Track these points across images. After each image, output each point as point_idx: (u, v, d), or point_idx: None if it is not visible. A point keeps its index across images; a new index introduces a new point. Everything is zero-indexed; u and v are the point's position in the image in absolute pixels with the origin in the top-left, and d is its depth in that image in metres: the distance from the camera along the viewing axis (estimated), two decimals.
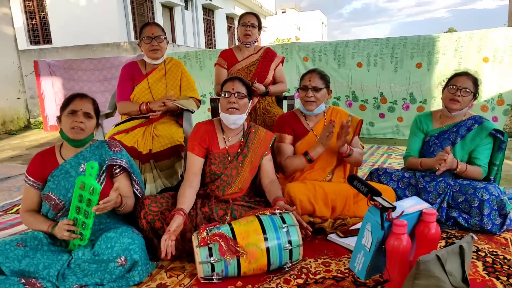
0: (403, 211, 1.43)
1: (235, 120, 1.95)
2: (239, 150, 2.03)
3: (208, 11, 18.48)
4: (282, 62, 3.00)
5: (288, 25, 37.15)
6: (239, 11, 20.21)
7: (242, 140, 2.05)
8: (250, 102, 2.04)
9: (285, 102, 3.11)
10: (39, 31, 13.24)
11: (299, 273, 1.70)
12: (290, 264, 1.69)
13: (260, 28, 2.90)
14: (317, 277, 1.66)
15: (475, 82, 2.18)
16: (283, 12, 41.68)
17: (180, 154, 2.49)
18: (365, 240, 1.47)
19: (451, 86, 2.18)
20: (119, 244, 1.59)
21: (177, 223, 1.69)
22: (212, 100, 3.06)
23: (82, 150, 1.79)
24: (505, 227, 2.00)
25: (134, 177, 1.88)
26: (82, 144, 1.77)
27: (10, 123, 7.42)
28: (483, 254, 1.80)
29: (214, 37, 18.98)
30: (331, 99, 5.05)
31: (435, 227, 1.47)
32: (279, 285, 1.61)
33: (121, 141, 2.34)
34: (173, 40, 14.93)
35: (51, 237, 1.70)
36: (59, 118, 1.76)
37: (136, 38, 12.26)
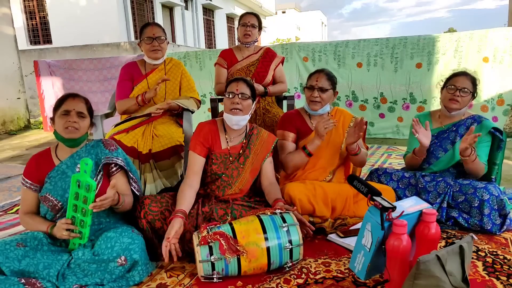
0: (403, 211, 1.43)
1: (238, 120, 1.95)
2: (240, 151, 2.04)
3: (208, 11, 18.49)
4: (282, 62, 3.00)
5: (288, 25, 37.15)
6: (239, 11, 20.22)
7: (244, 141, 2.06)
8: (254, 103, 2.04)
9: (285, 102, 3.11)
10: (39, 31, 13.24)
11: (299, 273, 1.70)
12: (291, 264, 1.69)
13: (260, 28, 2.90)
14: (317, 277, 1.66)
15: (474, 81, 2.19)
16: (283, 12, 41.69)
17: (180, 154, 2.49)
18: (365, 240, 1.47)
19: (450, 86, 2.19)
20: (119, 244, 1.59)
21: (175, 229, 1.68)
22: (212, 100, 3.06)
23: (77, 150, 1.79)
24: (505, 227, 2.01)
25: (131, 175, 1.87)
26: (77, 144, 1.77)
27: (10, 123, 7.42)
28: (483, 254, 1.80)
29: (214, 37, 18.98)
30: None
31: (435, 227, 1.47)
32: (279, 285, 1.61)
33: (121, 141, 2.34)
34: (173, 40, 14.93)
35: (51, 237, 1.70)
36: (52, 119, 1.75)
37: (136, 38, 12.27)
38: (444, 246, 1.85)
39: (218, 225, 1.69)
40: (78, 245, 1.64)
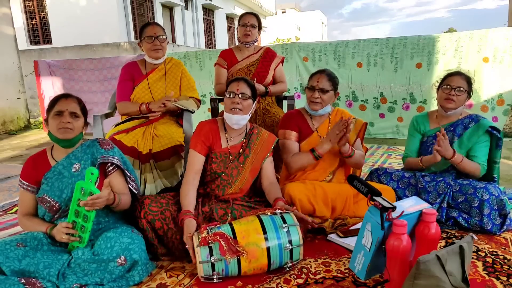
0: (403, 211, 1.43)
1: (238, 120, 1.96)
2: (240, 151, 2.04)
3: (208, 11, 18.49)
4: (282, 62, 3.00)
5: (288, 25, 37.15)
6: (239, 11, 20.22)
7: (244, 141, 2.06)
8: (255, 103, 2.04)
9: (285, 102, 3.11)
10: (39, 31, 13.24)
11: (299, 273, 1.70)
12: (291, 264, 1.69)
13: (260, 28, 2.90)
14: (317, 277, 1.66)
15: (468, 80, 2.21)
16: (283, 12, 41.69)
17: (180, 154, 2.49)
18: (365, 240, 1.47)
19: (445, 86, 2.21)
20: (118, 243, 1.59)
21: (190, 229, 1.70)
22: (212, 100, 3.06)
23: (73, 150, 1.78)
24: (505, 227, 2.01)
25: (128, 174, 1.87)
26: (72, 144, 1.76)
27: (10, 123, 7.42)
28: (483, 254, 1.80)
29: (214, 37, 18.98)
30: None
31: (435, 227, 1.47)
32: (279, 285, 1.61)
33: (121, 141, 2.34)
34: (173, 40, 14.93)
35: (50, 237, 1.70)
36: (46, 121, 1.75)
37: (136, 38, 12.26)
38: (444, 246, 1.85)
39: (218, 225, 1.69)
40: (77, 248, 1.64)
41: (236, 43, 3.02)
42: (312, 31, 39.64)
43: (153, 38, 2.51)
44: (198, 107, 2.70)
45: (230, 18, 20.52)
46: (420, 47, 4.77)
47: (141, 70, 2.62)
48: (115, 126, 2.55)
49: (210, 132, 2.01)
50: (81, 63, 6.33)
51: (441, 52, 4.68)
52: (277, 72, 2.95)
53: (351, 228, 2.05)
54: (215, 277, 1.62)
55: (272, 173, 2.09)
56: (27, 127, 7.73)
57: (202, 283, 1.64)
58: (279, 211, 1.75)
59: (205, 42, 17.94)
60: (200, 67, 5.96)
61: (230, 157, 2.01)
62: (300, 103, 5.11)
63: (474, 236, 1.46)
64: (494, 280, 1.59)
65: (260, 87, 2.75)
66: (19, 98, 7.65)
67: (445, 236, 2.00)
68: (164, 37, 2.56)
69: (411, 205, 1.51)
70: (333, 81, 2.19)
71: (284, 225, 1.67)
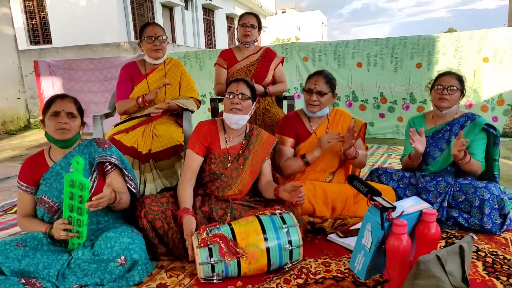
0: (403, 211, 1.43)
1: (238, 120, 1.96)
2: (240, 152, 2.03)
3: (208, 11, 18.49)
4: (282, 62, 3.00)
5: (288, 25, 37.17)
6: (239, 11, 20.22)
7: (244, 141, 2.06)
8: (254, 104, 2.04)
9: (285, 102, 3.11)
10: (39, 31, 13.24)
11: (299, 273, 1.70)
12: (290, 264, 1.69)
13: (259, 28, 2.90)
14: (317, 277, 1.66)
15: (460, 79, 2.23)
16: (283, 12, 41.69)
17: (180, 154, 2.49)
18: (365, 240, 1.47)
19: (437, 86, 2.23)
20: (118, 243, 1.59)
21: (190, 225, 1.71)
22: (212, 100, 3.06)
23: (70, 150, 1.78)
24: (505, 227, 2.01)
25: (127, 173, 1.87)
26: (69, 144, 1.76)
27: (10, 123, 7.42)
28: (483, 254, 1.80)
29: (214, 37, 18.98)
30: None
31: (435, 227, 1.47)
32: (279, 285, 1.61)
33: (120, 141, 2.34)
34: (173, 40, 14.93)
35: (50, 237, 1.70)
36: (42, 122, 1.75)
37: (136, 38, 12.26)
38: (444, 246, 1.84)
39: (218, 225, 1.69)
40: (77, 245, 1.64)
41: (236, 43, 3.02)
42: (312, 31, 39.65)
43: (153, 38, 2.51)
44: (198, 107, 2.70)
45: (230, 18, 20.52)
46: (420, 47, 4.77)
47: (141, 70, 2.62)
48: (115, 126, 2.55)
49: (209, 133, 2.01)
50: (81, 63, 6.33)
51: (441, 52, 4.68)
52: (276, 72, 2.95)
53: (351, 228, 2.05)
54: (215, 278, 1.62)
55: (269, 173, 2.10)
56: (27, 127, 7.73)
57: (202, 283, 1.63)
58: (279, 211, 1.75)
59: (205, 42, 17.94)
60: (200, 67, 5.96)
61: (229, 158, 2.01)
62: (300, 103, 5.11)
63: (474, 236, 1.46)
64: (494, 280, 1.59)
65: (259, 88, 2.75)
66: (19, 98, 7.66)
67: (445, 236, 2.00)
68: (164, 37, 2.56)
69: (411, 205, 1.51)
70: (331, 82, 2.19)
71: (283, 226, 1.67)
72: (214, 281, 1.62)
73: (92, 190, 1.71)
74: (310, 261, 1.80)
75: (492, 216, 1.99)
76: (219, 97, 3.00)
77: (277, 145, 2.24)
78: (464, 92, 2.25)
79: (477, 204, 2.01)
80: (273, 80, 2.95)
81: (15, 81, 7.58)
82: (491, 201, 1.98)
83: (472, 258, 1.74)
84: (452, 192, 2.12)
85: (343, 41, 5.21)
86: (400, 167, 2.48)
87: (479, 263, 1.72)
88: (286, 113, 2.75)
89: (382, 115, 5.14)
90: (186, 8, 16.24)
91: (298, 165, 2.16)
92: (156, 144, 2.39)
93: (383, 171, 2.38)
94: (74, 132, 1.73)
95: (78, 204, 1.60)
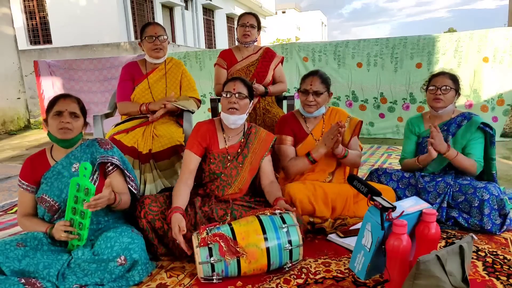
0: (403, 211, 1.43)
1: (235, 120, 1.96)
2: (239, 150, 2.03)
3: (208, 11, 18.49)
4: (281, 62, 3.00)
5: (288, 25, 37.17)
6: (239, 11, 20.21)
7: (242, 140, 2.06)
8: (251, 102, 2.04)
9: (285, 102, 3.11)
10: (39, 31, 13.24)
11: (299, 273, 1.70)
12: (290, 264, 1.69)
13: (259, 28, 2.90)
14: (317, 277, 1.66)
15: (453, 79, 2.24)
16: (283, 12, 41.69)
17: (180, 154, 2.48)
18: (365, 240, 1.47)
19: (431, 87, 2.26)
20: (118, 243, 1.59)
21: (177, 223, 1.69)
22: (212, 100, 3.06)
23: (72, 150, 1.78)
24: (505, 227, 2.01)
25: (128, 173, 1.87)
26: (72, 144, 1.76)
27: (10, 123, 7.42)
28: (483, 254, 1.80)
29: (214, 37, 18.98)
30: (331, 98, 5.05)
31: (435, 227, 1.47)
32: (279, 285, 1.61)
33: (121, 141, 2.34)
34: (173, 40, 14.93)
35: (50, 237, 1.70)
36: (45, 121, 1.75)
37: (136, 38, 12.27)
38: (444, 246, 1.84)
39: (218, 225, 1.69)
40: (77, 246, 1.64)
41: (236, 43, 3.02)
42: (312, 31, 39.65)
43: (154, 38, 2.51)
44: (198, 107, 2.70)
45: (230, 18, 20.52)
46: (420, 47, 4.77)
47: (141, 70, 2.62)
48: (115, 126, 2.55)
49: (207, 133, 2.01)
50: (81, 63, 6.33)
51: (441, 52, 4.68)
52: (276, 72, 2.95)
53: (351, 228, 2.04)
54: (215, 277, 1.62)
55: (271, 171, 2.09)
56: (27, 127, 7.73)
57: (202, 283, 1.63)
58: (279, 211, 1.75)
59: (205, 42, 17.94)
60: (200, 67, 5.96)
61: (228, 157, 2.01)
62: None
63: (474, 236, 1.46)
64: (494, 280, 1.59)
65: (259, 87, 2.75)
66: (19, 98, 7.66)
67: (445, 236, 2.00)
68: (165, 37, 2.56)
69: (411, 205, 1.51)
70: (326, 82, 2.20)
71: (283, 226, 1.67)
72: (214, 281, 1.62)
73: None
74: (310, 261, 1.80)
75: (491, 216, 1.99)
76: (219, 97, 3.00)
77: (278, 146, 2.24)
78: (460, 91, 2.25)
79: (476, 205, 2.01)
80: (273, 80, 2.95)
81: (15, 81, 7.58)
82: (490, 202, 1.98)
83: (472, 258, 1.74)
84: (451, 192, 2.12)
85: (343, 41, 5.21)
86: (400, 167, 2.48)
87: (479, 263, 1.72)
88: (286, 113, 2.75)
89: (382, 115, 5.14)
90: (186, 8, 16.24)
91: (303, 163, 2.15)
92: (156, 144, 2.39)
93: (382, 171, 2.38)
94: (76, 132, 1.74)
95: (81, 208, 1.60)
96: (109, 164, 1.81)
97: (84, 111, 1.79)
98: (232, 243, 1.60)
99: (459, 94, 2.25)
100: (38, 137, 6.67)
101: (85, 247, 1.62)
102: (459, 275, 1.34)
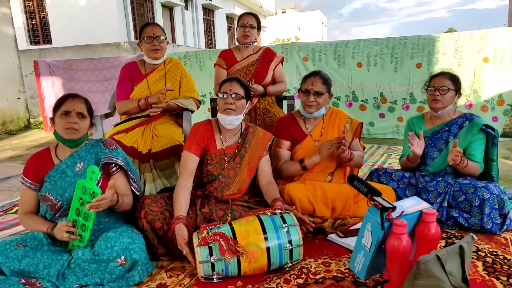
0: (403, 211, 1.43)
1: (232, 120, 1.95)
2: (236, 151, 2.03)
3: (208, 11, 18.48)
4: (281, 62, 3.00)
5: (288, 25, 37.16)
6: (239, 11, 20.21)
7: (240, 140, 2.05)
8: (248, 103, 2.03)
9: (285, 102, 3.11)
10: (39, 31, 13.24)
11: (299, 273, 1.70)
12: (291, 264, 1.69)
13: (259, 28, 2.90)
14: (317, 277, 1.66)
15: (453, 79, 2.23)
16: (283, 12, 41.69)
17: (180, 154, 2.48)
18: (365, 240, 1.47)
19: (430, 88, 2.26)
20: (119, 243, 1.59)
21: (183, 235, 1.69)
22: (212, 100, 3.06)
23: (77, 149, 1.79)
24: (505, 227, 2.00)
25: (131, 175, 1.87)
26: (77, 144, 1.77)
27: (10, 123, 7.42)
28: (483, 254, 1.80)
29: (214, 37, 18.98)
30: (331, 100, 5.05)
31: (435, 227, 1.47)
32: (279, 285, 1.61)
33: (120, 141, 2.34)
34: (173, 40, 14.93)
35: (51, 237, 1.70)
36: (52, 120, 1.75)
37: (136, 38, 12.26)
38: (444, 246, 1.85)
39: (218, 225, 1.69)
40: (77, 247, 1.64)
41: (236, 43, 3.02)
42: (312, 31, 39.66)
43: (152, 39, 2.51)
44: (198, 107, 2.70)
45: (230, 18, 20.52)
46: (420, 47, 4.77)
47: (141, 70, 2.62)
48: (115, 126, 2.55)
49: (204, 134, 2.01)
50: (81, 63, 6.33)
51: (441, 52, 4.68)
52: (276, 72, 2.95)
53: (351, 228, 2.04)
54: (215, 277, 1.62)
55: (269, 171, 2.08)
56: (27, 127, 7.73)
57: (202, 283, 1.64)
58: (279, 211, 1.75)
59: (205, 42, 17.94)
60: (200, 67, 5.96)
61: (226, 158, 2.01)
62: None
63: (474, 236, 1.46)
64: (494, 280, 1.59)
65: (258, 88, 2.75)
66: (19, 98, 7.66)
67: (445, 236, 2.00)
68: (163, 37, 2.55)
69: (411, 205, 1.51)
70: (327, 83, 2.20)
71: (284, 225, 1.67)
72: (214, 280, 1.62)
73: None
74: (310, 261, 1.80)
75: (492, 216, 1.99)
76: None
77: (273, 148, 2.24)
78: (460, 92, 2.25)
79: (477, 204, 2.01)
80: (273, 80, 2.95)
81: (15, 81, 7.58)
82: (491, 201, 1.98)
83: (472, 258, 1.74)
84: (452, 192, 2.12)
85: (343, 41, 5.21)
86: (400, 167, 2.49)
87: (479, 263, 1.72)
88: (286, 113, 2.75)
89: (382, 115, 5.14)
90: (186, 8, 16.24)
91: (295, 169, 2.17)
92: (156, 144, 2.39)
93: (382, 171, 2.38)
94: (83, 132, 1.74)
95: (85, 210, 1.61)
96: (113, 165, 1.81)
97: (91, 112, 1.80)
98: (232, 242, 1.60)
99: (460, 94, 2.25)
100: (38, 137, 6.67)
101: (85, 247, 1.62)
102: (459, 275, 1.34)
